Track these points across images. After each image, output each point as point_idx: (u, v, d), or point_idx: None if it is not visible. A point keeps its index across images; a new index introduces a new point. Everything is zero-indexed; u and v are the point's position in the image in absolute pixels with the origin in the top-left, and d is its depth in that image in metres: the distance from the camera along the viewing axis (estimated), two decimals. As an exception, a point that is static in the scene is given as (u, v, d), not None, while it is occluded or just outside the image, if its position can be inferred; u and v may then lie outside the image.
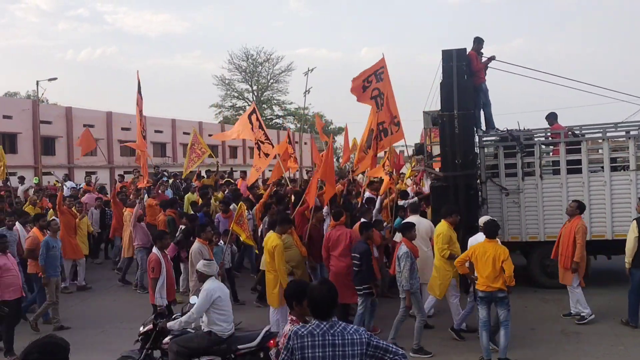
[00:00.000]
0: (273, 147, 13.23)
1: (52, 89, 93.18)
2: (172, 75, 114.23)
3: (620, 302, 9.33)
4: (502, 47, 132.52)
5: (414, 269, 8.06)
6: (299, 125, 64.26)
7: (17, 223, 11.12)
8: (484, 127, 11.73)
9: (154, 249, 8.20)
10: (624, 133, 11.49)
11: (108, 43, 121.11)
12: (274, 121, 67.75)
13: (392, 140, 11.74)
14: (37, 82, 40.63)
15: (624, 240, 10.48)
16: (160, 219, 12.56)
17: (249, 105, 66.64)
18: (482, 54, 11.66)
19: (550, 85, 12.03)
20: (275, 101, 67.52)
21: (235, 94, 66.95)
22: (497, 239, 7.89)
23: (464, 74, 10.89)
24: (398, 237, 9.34)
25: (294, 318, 4.46)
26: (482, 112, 11.74)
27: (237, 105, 67.57)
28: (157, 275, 7.89)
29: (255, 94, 66.50)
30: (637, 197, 10.36)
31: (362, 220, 9.36)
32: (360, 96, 11.43)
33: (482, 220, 8.42)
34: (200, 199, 14.25)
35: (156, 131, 50.75)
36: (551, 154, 11.38)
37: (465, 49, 11.14)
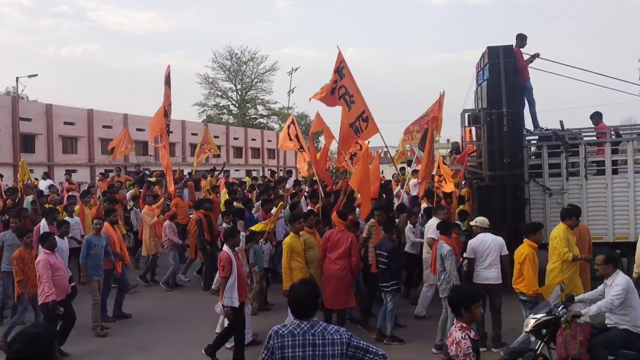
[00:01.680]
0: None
1: (33, 86, 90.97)
2: (156, 73, 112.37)
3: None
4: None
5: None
6: (283, 125, 63.66)
7: (42, 220, 10.77)
8: (528, 126, 11.47)
9: (225, 247, 7.70)
10: None
11: (91, 40, 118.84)
12: (257, 120, 67.03)
13: (366, 136, 11.29)
14: (17, 79, 39.45)
15: None
16: (193, 217, 12.05)
17: (232, 104, 66.22)
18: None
19: (588, 84, 11.85)
20: (259, 100, 66.89)
21: (219, 93, 66.07)
22: (526, 239, 7.65)
23: (511, 71, 10.64)
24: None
25: (464, 325, 4.18)
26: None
27: (220, 104, 66.81)
28: (228, 274, 7.42)
29: (239, 93, 65.71)
30: None
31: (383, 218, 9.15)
32: (329, 99, 11.11)
33: (479, 220, 8.45)
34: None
35: (138, 129, 49.82)
36: (596, 154, 11.17)
37: (511, 46, 10.91)
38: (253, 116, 66.98)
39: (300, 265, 8.30)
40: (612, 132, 11.07)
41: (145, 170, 24.90)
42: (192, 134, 53.64)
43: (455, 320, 4.26)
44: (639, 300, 6.12)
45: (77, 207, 12.46)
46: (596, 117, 11.43)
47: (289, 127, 13.12)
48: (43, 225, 10.55)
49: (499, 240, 8.17)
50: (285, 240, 8.57)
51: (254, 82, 65.79)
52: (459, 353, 4.00)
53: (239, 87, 65.71)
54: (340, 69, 11.25)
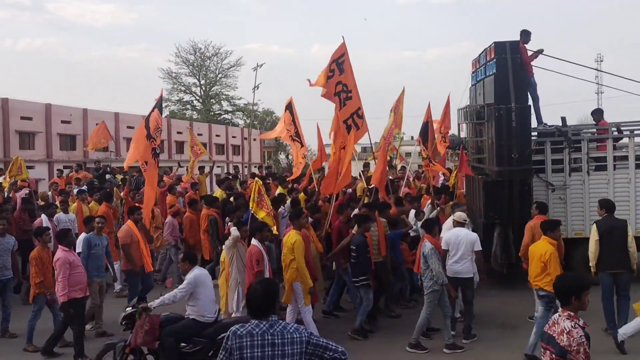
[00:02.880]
0: (302, 146, 12.60)
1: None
2: (117, 67, 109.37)
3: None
4: (449, 49, 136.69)
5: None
6: (248, 121, 63.03)
7: (42, 215, 10.58)
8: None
9: (255, 241, 7.41)
10: None
11: (49, 33, 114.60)
12: (222, 116, 66.07)
13: (359, 136, 11.35)
14: (-30, 71, 37.68)
15: None
16: (204, 213, 11.64)
17: (196, 99, 65.03)
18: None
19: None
20: (223, 96, 65.75)
21: (182, 88, 64.76)
22: (545, 237, 7.65)
23: (518, 66, 10.66)
24: None
25: (572, 314, 4.06)
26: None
27: (184, 100, 65.52)
28: (262, 267, 7.18)
29: (203, 89, 64.58)
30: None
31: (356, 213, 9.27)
32: (325, 87, 10.94)
33: (457, 215, 8.56)
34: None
35: (98, 124, 48.46)
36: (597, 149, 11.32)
37: (518, 42, 10.94)
38: (217, 112, 65.94)
39: (301, 265, 8.00)
40: (614, 129, 11.22)
41: (106, 166, 24.39)
42: (128, 127, 52.11)
43: (560, 309, 4.13)
44: (206, 293, 6.93)
45: (74, 205, 12.00)
46: (597, 113, 11.62)
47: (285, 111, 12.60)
48: (44, 220, 10.29)
49: (472, 235, 8.47)
50: (292, 237, 8.12)
51: (218, 78, 64.75)
52: (571, 342, 3.89)
53: (202, 82, 64.57)
54: (341, 63, 11.04)
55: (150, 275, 9.53)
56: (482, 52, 12.13)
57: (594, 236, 8.33)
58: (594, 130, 11.92)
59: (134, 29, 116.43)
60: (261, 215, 9.73)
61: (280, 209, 11.55)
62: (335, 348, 3.72)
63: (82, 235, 9.18)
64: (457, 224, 8.53)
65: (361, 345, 8.26)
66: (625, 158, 11.07)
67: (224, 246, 8.34)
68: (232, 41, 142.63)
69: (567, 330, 3.92)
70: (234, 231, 8.03)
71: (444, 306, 8.03)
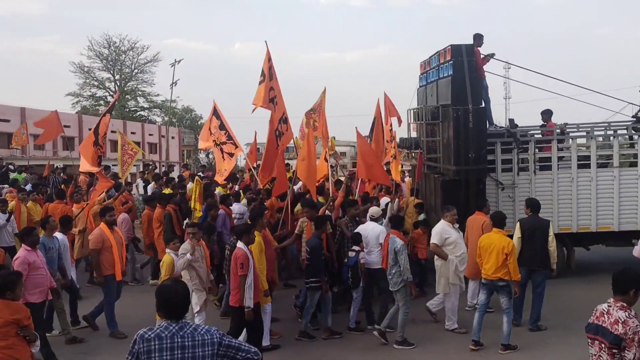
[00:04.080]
0: (237, 147, 12.11)
1: None
2: (25, 59, 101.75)
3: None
4: (369, 52, 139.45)
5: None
6: (166, 118, 61.14)
7: None
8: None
9: (240, 244, 7.09)
10: (611, 132, 12.27)
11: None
12: (138, 113, 63.57)
13: (285, 142, 11.45)
14: None
15: (607, 233, 11.60)
16: (158, 212, 11.11)
17: (110, 95, 62.16)
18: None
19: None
20: (140, 92, 63.20)
21: (95, 83, 61.63)
22: (498, 229, 8.14)
23: (474, 69, 11.04)
24: None
25: (625, 305, 4.20)
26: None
27: (97, 95, 62.28)
28: (247, 271, 6.90)
29: (118, 84, 61.77)
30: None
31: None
32: (262, 99, 10.79)
33: (371, 210, 9.37)
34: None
35: (2, 120, 45.20)
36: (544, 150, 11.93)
37: (472, 45, 11.31)
38: (133, 108, 63.33)
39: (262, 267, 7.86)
40: (559, 130, 11.88)
41: (9, 164, 23.02)
42: (89, 129, 49.63)
43: (613, 299, 4.26)
44: None
45: (12, 203, 11.08)
46: (547, 114, 12.23)
47: (211, 119, 12.00)
48: None
49: (378, 228, 9.15)
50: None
51: (134, 73, 62.14)
52: (627, 331, 4.02)
53: (117, 77, 61.83)
54: (269, 67, 10.99)
55: (119, 284, 8.81)
56: (434, 54, 12.46)
57: (517, 234, 8.87)
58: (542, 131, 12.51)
59: (43, 18, 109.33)
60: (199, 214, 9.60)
61: (234, 208, 11.37)
62: (248, 349, 3.69)
63: None
64: (372, 219, 9.25)
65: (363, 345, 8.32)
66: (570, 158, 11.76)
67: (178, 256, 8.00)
68: (150, 36, 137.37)
69: (623, 320, 4.06)
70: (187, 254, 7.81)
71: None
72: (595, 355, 4.22)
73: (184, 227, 10.43)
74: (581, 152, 11.94)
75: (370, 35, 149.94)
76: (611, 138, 11.98)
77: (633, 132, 12.14)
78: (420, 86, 13.98)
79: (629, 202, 11.52)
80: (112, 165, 21.81)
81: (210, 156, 60.96)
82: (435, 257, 9.01)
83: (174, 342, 3.50)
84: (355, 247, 8.85)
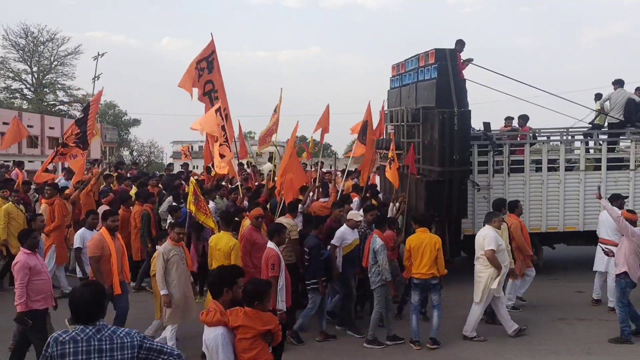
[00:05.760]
0: (230, 150, 11.73)
1: None
2: None
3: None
4: (300, 52, 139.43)
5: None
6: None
7: None
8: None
9: (272, 244, 6.81)
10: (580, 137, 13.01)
11: None
12: (57, 107, 60.01)
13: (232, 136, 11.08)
14: None
15: (572, 232, 12.35)
16: (136, 209, 10.60)
17: (27, 87, 58.43)
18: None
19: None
20: (59, 86, 59.53)
21: (11, 75, 57.49)
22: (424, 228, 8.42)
23: (457, 72, 11.31)
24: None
25: None
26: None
27: (12, 87, 58.14)
28: (278, 273, 6.64)
29: (35, 76, 58.03)
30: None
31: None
32: (195, 85, 10.76)
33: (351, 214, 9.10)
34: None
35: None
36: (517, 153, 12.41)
37: (456, 49, 11.59)
38: (52, 102, 59.67)
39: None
40: (531, 134, 12.41)
41: None
42: (4, 123, 46.13)
43: None
44: None
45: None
46: (523, 118, 12.73)
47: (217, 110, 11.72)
48: None
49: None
50: (230, 241, 7.93)
51: (53, 65, 58.54)
52: None
53: (35, 69, 58.06)
54: (211, 60, 10.85)
55: (122, 297, 7.78)
56: (412, 57, 12.64)
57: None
58: (517, 134, 13.00)
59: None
60: (201, 218, 9.15)
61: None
62: (170, 351, 3.64)
63: None
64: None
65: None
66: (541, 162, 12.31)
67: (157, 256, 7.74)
68: (71, 27, 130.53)
69: None
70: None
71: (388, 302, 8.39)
72: None
73: (167, 227, 9.94)
74: (552, 155, 12.49)
75: (300, 36, 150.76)
76: (578, 143, 12.65)
77: (588, 138, 12.97)
78: (392, 88, 14.15)
79: (593, 204, 12.21)
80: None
81: (135, 153, 58.70)
82: (480, 264, 8.56)
83: (90, 345, 3.40)
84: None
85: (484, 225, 8.79)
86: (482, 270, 8.46)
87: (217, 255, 7.87)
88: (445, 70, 11.19)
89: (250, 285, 4.64)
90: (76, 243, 8.86)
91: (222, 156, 9.95)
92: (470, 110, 11.20)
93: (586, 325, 9.22)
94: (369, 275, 8.36)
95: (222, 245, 7.86)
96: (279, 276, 6.74)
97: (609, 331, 8.67)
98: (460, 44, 11.87)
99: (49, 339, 3.49)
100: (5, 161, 20.14)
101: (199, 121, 9.84)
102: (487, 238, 8.37)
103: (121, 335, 3.48)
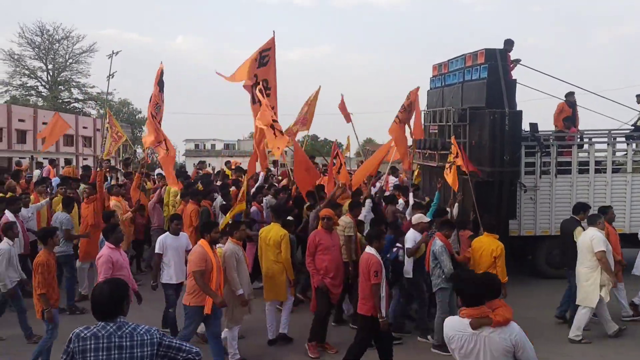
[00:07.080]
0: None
1: None
2: None
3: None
4: (311, 50, 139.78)
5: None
6: (101, 111, 58.39)
7: (7, 211, 9.01)
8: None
9: (371, 250, 6.70)
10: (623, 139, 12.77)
11: None
12: (72, 105, 60.25)
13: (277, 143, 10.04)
14: None
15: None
16: (191, 208, 10.54)
17: (42, 85, 58.65)
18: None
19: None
20: (74, 83, 59.81)
21: (27, 72, 57.79)
22: (490, 234, 8.23)
23: (507, 72, 11.24)
24: None
25: None
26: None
27: (27, 85, 58.46)
28: (380, 280, 6.61)
29: (51, 74, 58.28)
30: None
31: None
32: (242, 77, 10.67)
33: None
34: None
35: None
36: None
37: (506, 50, 11.51)
38: (66, 100, 59.92)
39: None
40: (579, 136, 12.31)
41: None
42: (20, 120, 46.57)
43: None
44: None
45: (32, 197, 10.50)
46: (569, 121, 12.62)
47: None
48: (10, 216, 8.82)
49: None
50: (279, 231, 8.24)
51: (68, 63, 58.71)
52: None
53: (50, 67, 58.29)
54: (265, 56, 10.76)
55: (214, 320, 7.22)
56: (457, 57, 12.57)
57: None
58: (565, 135, 12.85)
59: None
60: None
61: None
62: (189, 349, 3.64)
63: None
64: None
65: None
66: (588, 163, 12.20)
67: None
68: (86, 25, 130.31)
69: None
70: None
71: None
72: None
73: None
74: (599, 157, 12.37)
75: (312, 35, 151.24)
76: (624, 145, 12.52)
77: (630, 140, 12.83)
78: (432, 88, 14.07)
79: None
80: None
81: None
82: (587, 267, 8.32)
83: (110, 342, 3.43)
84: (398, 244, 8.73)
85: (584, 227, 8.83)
86: (589, 273, 8.26)
87: (265, 247, 8.25)
88: (495, 70, 11.12)
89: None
90: (157, 249, 8.17)
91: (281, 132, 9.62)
92: (521, 111, 11.11)
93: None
94: (431, 279, 8.18)
95: (272, 234, 8.20)
96: (381, 282, 6.62)
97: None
98: (509, 43, 11.79)
99: (71, 334, 3.50)
100: (44, 158, 20.38)
101: (258, 116, 9.68)
102: (594, 239, 8.15)
103: (141, 332, 3.51)
